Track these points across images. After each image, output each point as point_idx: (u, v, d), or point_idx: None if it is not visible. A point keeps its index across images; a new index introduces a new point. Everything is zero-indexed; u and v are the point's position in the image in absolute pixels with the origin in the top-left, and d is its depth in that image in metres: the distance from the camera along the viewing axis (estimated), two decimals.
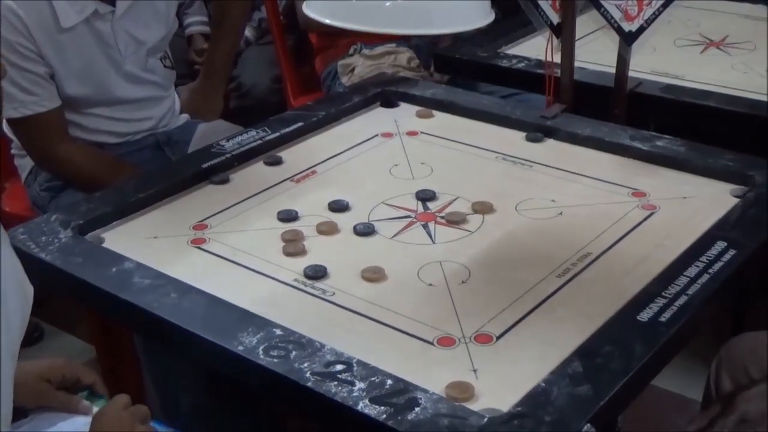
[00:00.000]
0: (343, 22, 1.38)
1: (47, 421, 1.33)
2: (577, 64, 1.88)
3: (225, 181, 1.69)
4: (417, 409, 1.08)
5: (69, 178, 2.08)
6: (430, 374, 1.16)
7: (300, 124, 1.86)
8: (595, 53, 2.10)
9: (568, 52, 1.84)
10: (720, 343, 1.62)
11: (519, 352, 1.21)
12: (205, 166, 1.70)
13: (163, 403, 1.86)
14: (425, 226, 1.52)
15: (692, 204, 1.55)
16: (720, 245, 1.38)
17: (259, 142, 1.79)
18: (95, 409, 1.39)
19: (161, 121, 2.22)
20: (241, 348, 1.20)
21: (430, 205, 1.58)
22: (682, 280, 1.30)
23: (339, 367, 1.15)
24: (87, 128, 2.11)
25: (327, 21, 1.37)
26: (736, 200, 1.54)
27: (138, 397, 1.96)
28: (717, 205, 1.53)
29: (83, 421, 1.36)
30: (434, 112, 1.94)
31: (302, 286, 1.36)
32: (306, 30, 2.91)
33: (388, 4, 1.35)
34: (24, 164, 2.18)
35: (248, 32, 3.24)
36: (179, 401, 1.82)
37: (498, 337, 1.24)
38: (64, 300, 2.42)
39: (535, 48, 2.13)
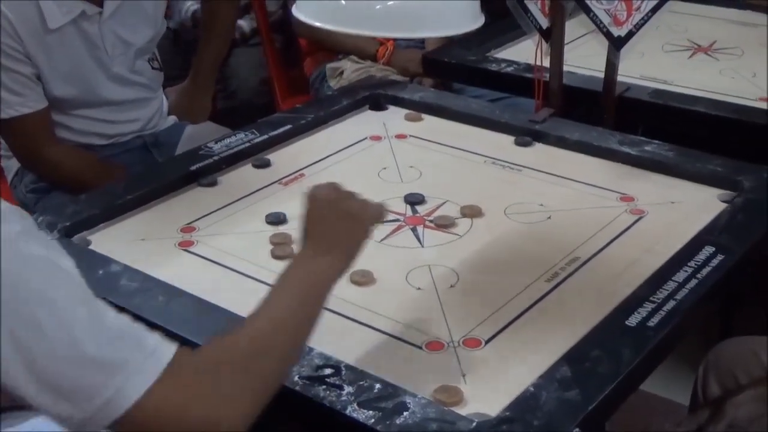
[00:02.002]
0: (333, 25, 1.38)
1: (19, 418, 1.32)
2: (566, 68, 1.88)
3: (213, 183, 1.68)
4: (405, 413, 1.08)
5: (56, 180, 2.07)
6: (419, 378, 1.16)
7: (288, 126, 1.86)
8: (584, 58, 2.11)
9: (557, 56, 1.84)
10: (708, 347, 1.62)
11: (507, 357, 1.21)
12: (193, 168, 1.69)
13: None
14: (414, 230, 1.52)
15: (680, 209, 1.56)
16: (708, 250, 1.39)
17: (248, 144, 1.78)
18: None
19: (149, 123, 2.21)
20: None
21: (418, 208, 1.58)
22: (671, 285, 1.30)
23: (327, 371, 1.15)
24: (74, 130, 2.10)
25: (317, 24, 1.37)
26: (724, 205, 1.55)
27: None
28: (705, 209, 1.53)
29: None
30: (423, 115, 1.94)
31: None
32: (299, 35, 2.92)
33: (378, 7, 1.35)
34: (10, 166, 2.17)
35: (245, 25, 3.23)
36: None
37: (487, 342, 1.24)
38: None
39: (524, 52, 2.13)
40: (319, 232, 1.14)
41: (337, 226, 1.15)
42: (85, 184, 1.88)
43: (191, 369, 0.96)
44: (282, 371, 1.05)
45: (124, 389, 0.91)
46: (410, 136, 1.86)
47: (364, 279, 1.37)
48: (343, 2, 1.37)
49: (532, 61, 1.88)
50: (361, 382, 1.13)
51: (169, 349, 0.95)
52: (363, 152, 1.80)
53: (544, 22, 1.81)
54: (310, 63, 2.93)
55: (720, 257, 1.37)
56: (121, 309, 1.29)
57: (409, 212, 1.57)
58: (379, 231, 1.51)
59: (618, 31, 1.75)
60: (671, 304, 1.26)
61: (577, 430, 1.06)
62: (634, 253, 1.43)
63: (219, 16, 2.35)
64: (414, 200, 1.60)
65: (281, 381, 1.05)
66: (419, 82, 2.60)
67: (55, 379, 0.90)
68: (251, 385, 0.98)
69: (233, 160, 1.75)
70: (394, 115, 1.96)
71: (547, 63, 1.85)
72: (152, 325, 1.25)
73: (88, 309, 0.94)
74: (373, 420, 1.07)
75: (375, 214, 1.22)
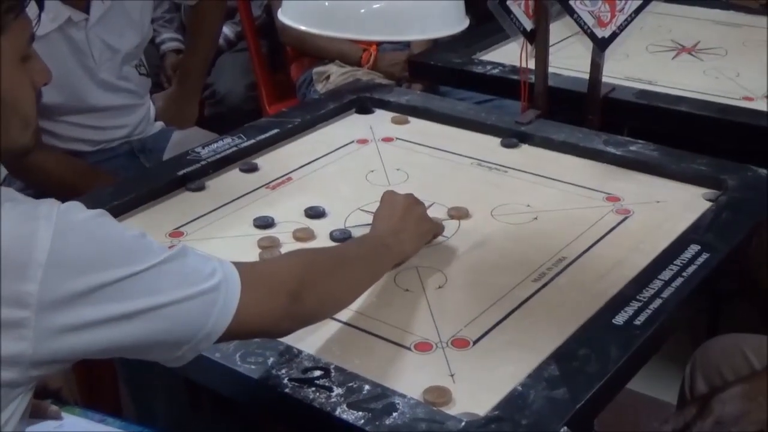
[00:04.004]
0: (318, 29, 1.39)
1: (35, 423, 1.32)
2: (551, 70, 1.89)
3: (201, 188, 1.68)
4: (395, 414, 1.08)
5: (43, 186, 2.07)
6: (408, 379, 1.16)
7: (275, 131, 1.86)
8: (568, 59, 2.12)
9: (541, 58, 1.85)
10: (694, 346, 1.63)
11: (496, 357, 1.21)
12: (180, 173, 1.69)
13: (140, 412, 1.85)
14: None
15: (666, 208, 1.57)
16: (693, 249, 1.40)
17: (235, 149, 1.79)
18: (64, 415, 1.39)
19: (136, 129, 2.21)
20: (218, 355, 1.19)
21: None
22: (657, 284, 1.31)
23: (317, 373, 1.15)
24: (61, 136, 2.10)
25: (303, 28, 1.37)
26: (708, 204, 1.56)
27: (114, 405, 1.96)
28: (690, 208, 1.54)
29: (54, 425, 1.36)
30: (409, 118, 1.95)
31: None
32: (285, 42, 2.93)
33: (363, 11, 1.36)
34: None
35: (228, 31, 3.23)
36: (156, 410, 1.81)
37: (475, 342, 1.24)
38: None
39: (510, 54, 2.14)
40: (391, 221, 1.37)
41: (407, 222, 1.38)
42: (72, 190, 1.88)
43: (256, 275, 1.09)
44: (330, 297, 1.19)
45: (224, 308, 1.03)
46: (397, 138, 1.87)
47: None
48: (328, 5, 1.38)
49: (517, 64, 1.88)
50: (351, 384, 1.13)
51: (232, 266, 1.06)
52: (350, 155, 1.81)
53: (528, 24, 1.82)
54: (296, 67, 2.94)
55: (705, 255, 1.38)
56: None
57: None
58: None
59: (602, 33, 1.76)
60: (657, 302, 1.27)
61: (565, 428, 1.06)
62: (620, 253, 1.44)
63: (204, 22, 2.36)
64: None
65: (326, 308, 1.19)
66: (408, 87, 2.61)
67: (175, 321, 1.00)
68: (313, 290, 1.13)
69: (221, 164, 1.75)
70: (381, 119, 1.97)
71: (532, 65, 1.86)
72: None
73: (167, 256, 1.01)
74: (362, 421, 1.07)
75: (437, 229, 1.47)
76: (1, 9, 1.00)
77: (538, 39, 1.83)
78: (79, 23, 1.99)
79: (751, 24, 2.49)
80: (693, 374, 1.58)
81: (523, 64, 1.85)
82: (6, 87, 1.03)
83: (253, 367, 1.17)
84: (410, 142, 1.85)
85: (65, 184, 2.02)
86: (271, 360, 1.18)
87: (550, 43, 1.86)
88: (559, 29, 2.01)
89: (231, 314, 1.03)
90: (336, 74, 2.74)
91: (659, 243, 1.43)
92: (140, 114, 2.22)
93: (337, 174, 1.74)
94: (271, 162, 1.79)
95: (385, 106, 2.00)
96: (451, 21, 1.43)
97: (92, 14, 2.00)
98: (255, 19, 3.15)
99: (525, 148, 1.81)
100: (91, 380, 1.93)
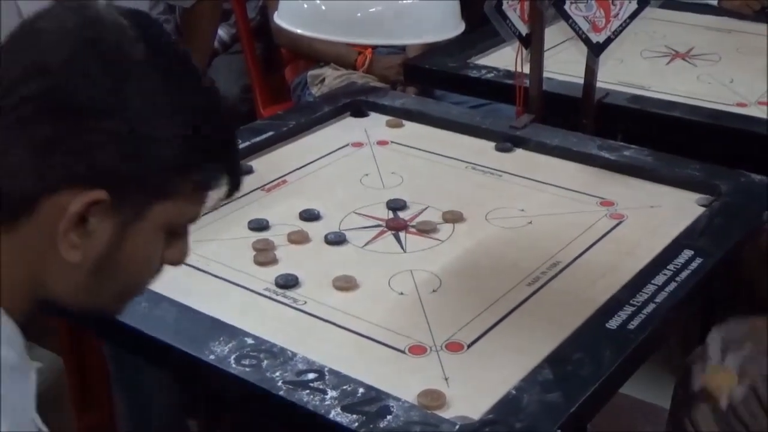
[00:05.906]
0: (314, 32, 1.39)
1: None
2: (545, 74, 1.90)
3: None
4: (389, 417, 1.08)
5: None
6: (402, 382, 1.17)
7: (270, 133, 1.86)
8: (563, 64, 2.12)
9: (536, 63, 1.86)
10: (687, 352, 1.63)
11: (490, 360, 1.22)
12: None
13: (133, 415, 1.85)
14: (396, 235, 1.52)
15: (659, 213, 1.57)
16: (687, 254, 1.40)
17: None
18: None
19: None
20: (212, 357, 1.19)
21: (400, 214, 1.59)
22: (650, 288, 1.32)
23: (311, 375, 1.16)
24: None
25: (299, 31, 1.38)
26: (702, 209, 1.56)
27: (108, 409, 1.96)
28: (684, 214, 1.55)
29: None
30: (404, 121, 1.95)
31: (273, 296, 1.36)
32: (280, 45, 2.93)
33: (359, 14, 1.36)
34: None
35: (223, 33, 3.23)
36: (150, 413, 1.81)
37: (469, 345, 1.24)
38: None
39: (505, 58, 2.14)
40: None
41: None
42: None
43: None
44: None
45: None
46: (392, 142, 1.87)
47: (346, 284, 1.38)
48: (324, 9, 1.38)
49: (512, 68, 1.89)
50: (345, 387, 1.13)
51: None
52: (345, 159, 1.81)
53: (524, 29, 1.82)
54: (291, 70, 2.94)
55: (699, 260, 1.38)
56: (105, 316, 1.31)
57: (391, 218, 1.58)
58: (362, 237, 1.52)
59: (597, 38, 1.77)
60: (651, 307, 1.28)
61: (559, 431, 1.07)
62: (614, 257, 1.44)
63: (200, 25, 2.35)
64: (396, 206, 1.61)
65: None
66: (403, 90, 2.61)
67: None
68: None
69: None
70: (376, 122, 1.97)
71: (527, 69, 1.87)
72: (135, 332, 1.27)
73: None
74: (356, 424, 1.08)
75: None
76: (189, 174, 0.88)
77: (533, 43, 1.83)
78: None
79: (745, 30, 2.50)
80: (687, 376, 1.58)
81: (518, 69, 1.86)
82: (130, 252, 0.88)
83: (247, 369, 1.17)
84: (405, 145, 1.85)
85: None
86: (265, 362, 1.18)
87: (545, 47, 1.87)
88: (553, 34, 2.02)
89: None
90: (331, 77, 2.74)
91: (653, 248, 1.44)
92: None
93: (332, 177, 1.74)
94: (265, 164, 1.79)
95: (380, 109, 2.00)
96: (448, 25, 1.43)
97: None
98: (250, 21, 3.15)
99: (519, 153, 1.81)
100: (84, 385, 1.93)
